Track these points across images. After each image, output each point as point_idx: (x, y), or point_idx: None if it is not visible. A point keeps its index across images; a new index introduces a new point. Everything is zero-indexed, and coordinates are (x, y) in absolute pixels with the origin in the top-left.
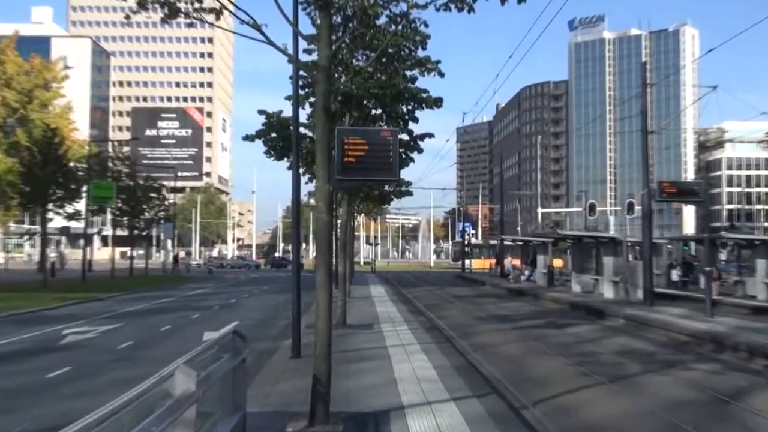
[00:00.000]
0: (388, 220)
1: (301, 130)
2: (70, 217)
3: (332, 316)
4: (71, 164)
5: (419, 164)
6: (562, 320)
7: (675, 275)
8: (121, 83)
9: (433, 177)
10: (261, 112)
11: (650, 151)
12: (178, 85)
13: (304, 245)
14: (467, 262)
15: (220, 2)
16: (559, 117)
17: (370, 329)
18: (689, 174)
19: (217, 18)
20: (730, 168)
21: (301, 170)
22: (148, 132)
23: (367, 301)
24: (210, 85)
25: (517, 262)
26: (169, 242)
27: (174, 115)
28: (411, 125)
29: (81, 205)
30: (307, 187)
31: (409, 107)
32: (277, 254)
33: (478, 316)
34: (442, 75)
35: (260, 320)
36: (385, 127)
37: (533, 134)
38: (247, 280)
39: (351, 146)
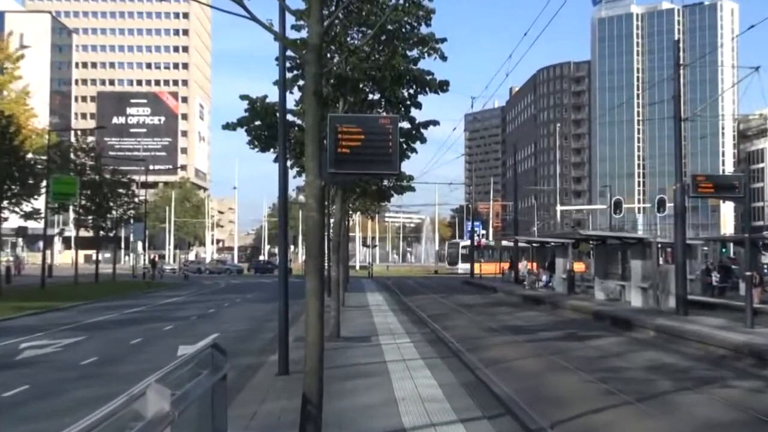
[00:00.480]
0: (387, 220)
1: (289, 117)
2: (28, 216)
3: (324, 327)
4: (29, 156)
5: (422, 156)
6: (584, 332)
7: (712, 281)
8: (84, 64)
9: (438, 170)
10: (243, 97)
11: (684, 141)
12: (149, 66)
13: (292, 248)
14: (465, 266)
15: None
16: (580, 102)
17: (367, 342)
18: (728, 166)
19: None
20: None
21: (288, 163)
22: (115, 120)
23: (364, 311)
24: (185, 66)
25: (533, 266)
26: (140, 244)
27: (145, 101)
28: (413, 112)
29: (40, 203)
30: (295, 182)
31: (411, 91)
32: (261, 258)
33: (489, 327)
34: (444, 59)
35: (243, 332)
36: (384, 113)
37: (551, 122)
38: (228, 286)
39: (345, 135)
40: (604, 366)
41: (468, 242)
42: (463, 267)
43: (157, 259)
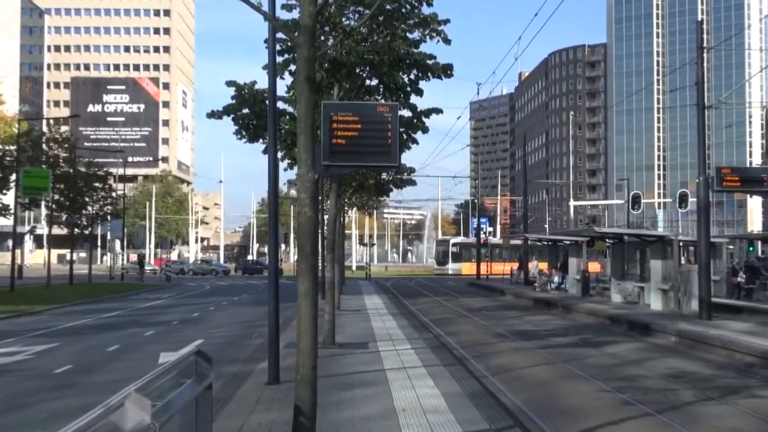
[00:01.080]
0: (386, 216)
1: (280, 105)
2: None
3: (318, 332)
4: None
5: (424, 147)
6: (600, 337)
7: (738, 282)
8: (57, 48)
9: (441, 162)
10: (230, 83)
11: (707, 131)
12: (127, 50)
13: (283, 246)
14: (456, 266)
15: None
16: (595, 89)
17: (364, 349)
18: (755, 158)
19: None
20: None
21: (279, 155)
22: (91, 107)
23: (361, 315)
24: (167, 50)
25: (544, 266)
26: (118, 243)
27: (123, 87)
28: (414, 99)
29: (9, 198)
30: (286, 175)
31: (412, 77)
32: (250, 257)
33: (496, 332)
34: (447, 42)
35: (230, 338)
36: (382, 101)
37: (564, 110)
38: (214, 288)
39: (340, 125)
40: (621, 374)
41: (459, 240)
42: (453, 267)
43: (133, 258)
